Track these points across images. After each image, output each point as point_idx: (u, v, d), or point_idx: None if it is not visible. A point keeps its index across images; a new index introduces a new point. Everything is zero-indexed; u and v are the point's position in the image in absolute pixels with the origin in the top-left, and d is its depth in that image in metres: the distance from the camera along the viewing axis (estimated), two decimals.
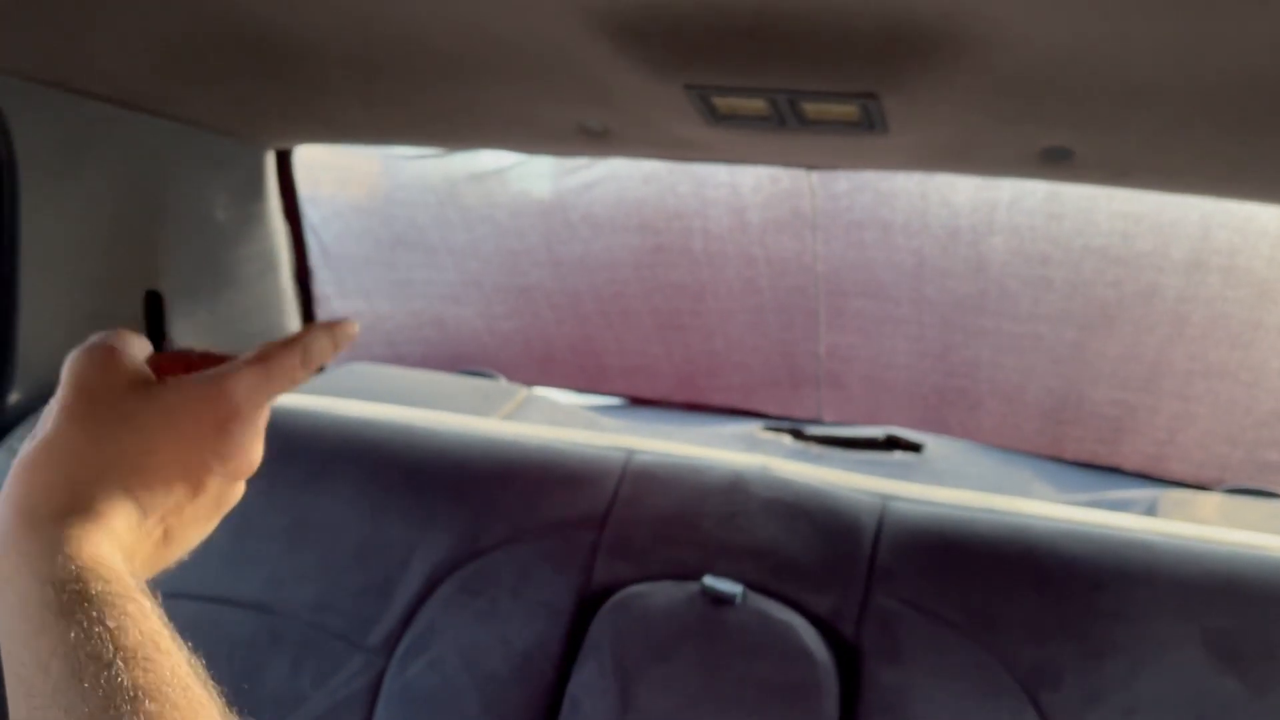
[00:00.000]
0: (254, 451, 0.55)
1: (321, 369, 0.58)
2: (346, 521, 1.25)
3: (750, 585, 1.12)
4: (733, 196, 2.40)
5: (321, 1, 0.93)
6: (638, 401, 2.85)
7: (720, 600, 1.10)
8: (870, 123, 1.04)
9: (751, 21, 0.83)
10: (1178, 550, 1.09)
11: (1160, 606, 1.05)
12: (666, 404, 2.82)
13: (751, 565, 1.14)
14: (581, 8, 0.86)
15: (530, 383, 2.61)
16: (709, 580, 1.11)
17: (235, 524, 1.22)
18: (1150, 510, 1.82)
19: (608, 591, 1.16)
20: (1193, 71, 0.81)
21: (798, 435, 2.37)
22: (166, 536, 0.53)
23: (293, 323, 1.83)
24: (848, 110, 1.01)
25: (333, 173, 2.67)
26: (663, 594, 1.13)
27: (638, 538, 1.18)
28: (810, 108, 1.02)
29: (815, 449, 2.30)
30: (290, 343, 0.55)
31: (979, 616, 1.07)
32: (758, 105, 1.03)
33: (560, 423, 1.84)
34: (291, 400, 1.42)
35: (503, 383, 2.37)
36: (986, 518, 1.15)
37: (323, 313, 2.45)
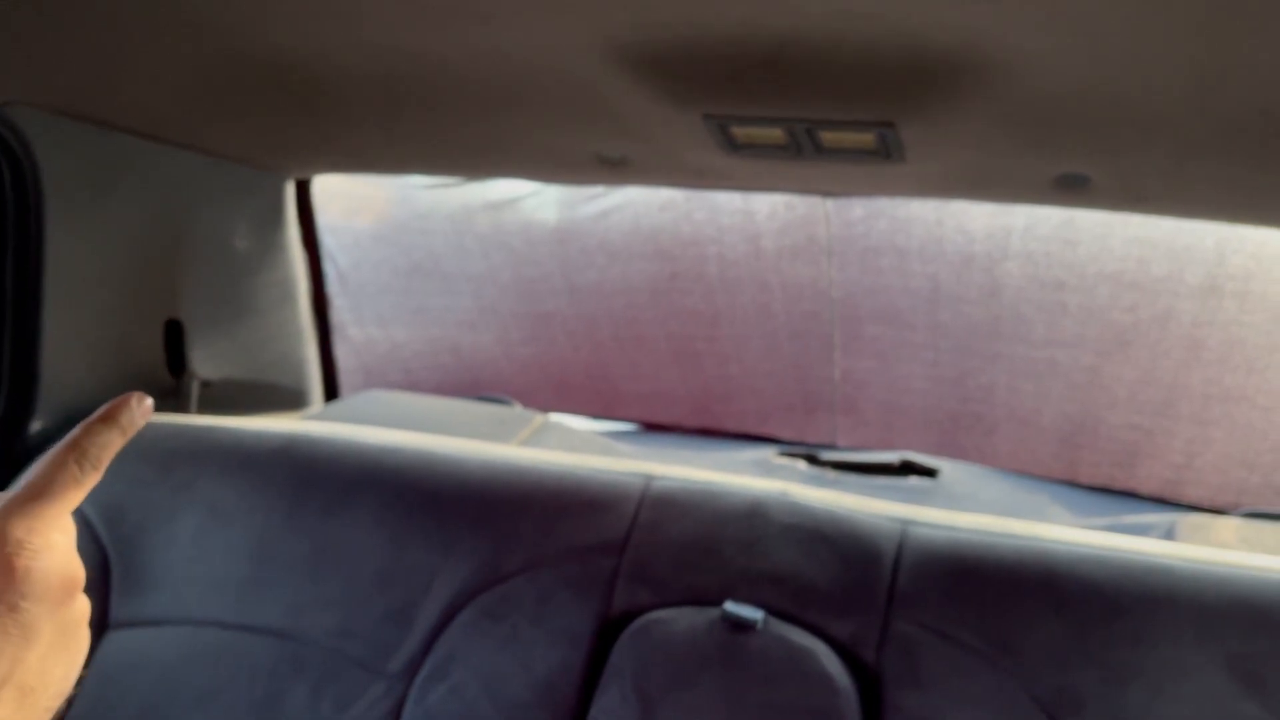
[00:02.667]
0: (66, 570, 0.51)
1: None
2: (367, 548, 1.25)
3: (771, 611, 1.12)
4: (748, 223, 2.41)
5: (345, 35, 0.95)
6: (652, 427, 2.85)
7: (741, 626, 1.10)
8: (887, 151, 1.04)
9: (771, 53, 0.84)
10: (1197, 574, 1.09)
11: (1181, 631, 1.04)
12: (681, 429, 2.82)
13: (772, 591, 1.14)
14: (602, 40, 0.87)
15: (546, 408, 2.62)
16: (730, 606, 1.11)
17: (256, 552, 1.23)
18: (1168, 534, 1.81)
19: (628, 617, 1.16)
20: (1209, 100, 0.82)
21: (813, 460, 2.36)
22: (22, 692, 0.49)
23: (310, 351, 1.84)
24: (865, 139, 1.02)
25: (349, 201, 2.69)
26: (683, 620, 1.13)
27: (658, 564, 1.18)
28: (828, 136, 1.03)
29: (830, 474, 2.29)
30: (61, 452, 0.52)
31: (1000, 642, 1.07)
32: (776, 134, 1.04)
33: (578, 449, 1.84)
34: (310, 428, 1.42)
35: (519, 409, 2.37)
36: (1007, 543, 1.15)
37: (339, 340, 2.47)
